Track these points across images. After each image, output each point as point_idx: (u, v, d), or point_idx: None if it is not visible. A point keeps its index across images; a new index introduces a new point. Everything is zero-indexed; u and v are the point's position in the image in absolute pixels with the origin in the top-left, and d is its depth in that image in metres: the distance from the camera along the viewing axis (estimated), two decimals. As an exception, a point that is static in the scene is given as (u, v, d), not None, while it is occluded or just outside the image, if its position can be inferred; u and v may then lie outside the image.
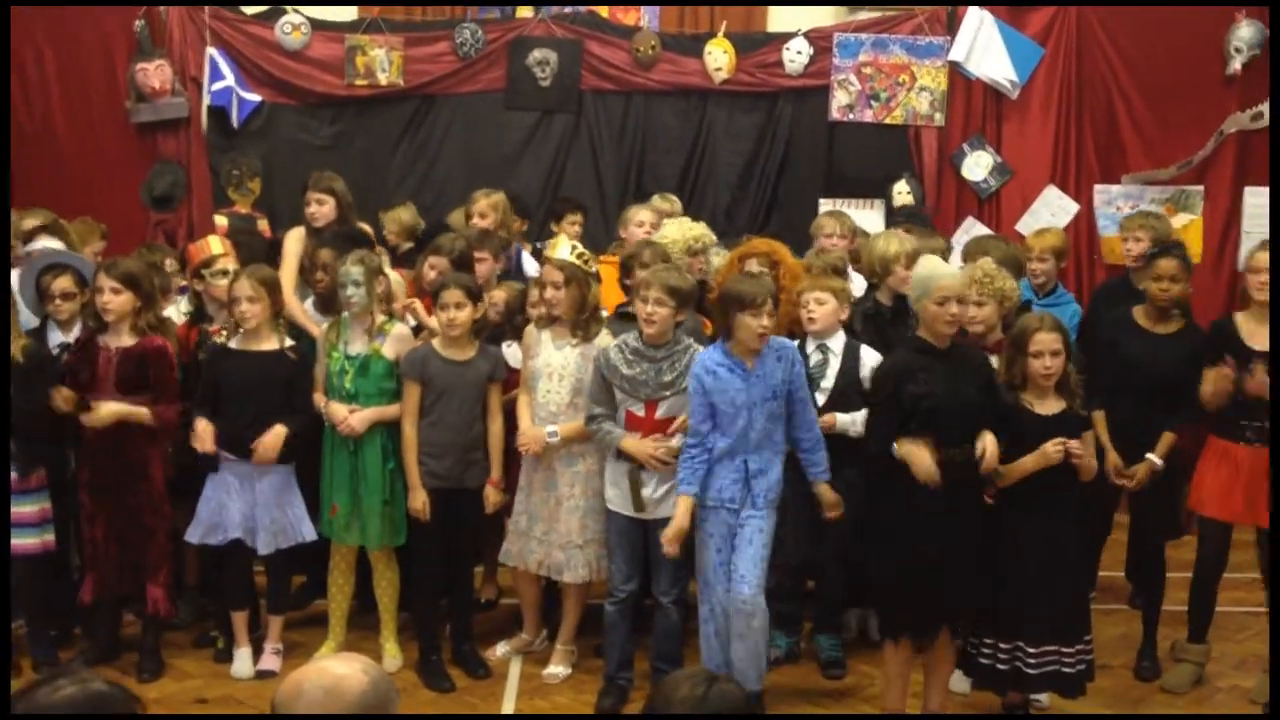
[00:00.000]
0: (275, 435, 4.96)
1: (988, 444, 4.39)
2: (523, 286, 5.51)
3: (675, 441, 4.70)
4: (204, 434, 4.96)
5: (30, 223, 5.67)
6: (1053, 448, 4.40)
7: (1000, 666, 4.54)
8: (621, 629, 4.90)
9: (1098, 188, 7.52)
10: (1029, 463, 4.45)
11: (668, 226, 5.73)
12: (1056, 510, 4.49)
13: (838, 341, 5.03)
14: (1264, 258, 4.94)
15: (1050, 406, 4.52)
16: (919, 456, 4.35)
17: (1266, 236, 5.81)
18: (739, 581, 4.54)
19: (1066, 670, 4.53)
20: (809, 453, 4.69)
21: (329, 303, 5.41)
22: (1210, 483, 5.07)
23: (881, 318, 5.34)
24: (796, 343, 4.91)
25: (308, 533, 5.12)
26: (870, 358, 4.99)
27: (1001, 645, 4.53)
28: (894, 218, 6.99)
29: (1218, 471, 5.04)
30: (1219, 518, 5.06)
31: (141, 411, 4.91)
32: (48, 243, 5.51)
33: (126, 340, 4.95)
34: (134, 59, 7.35)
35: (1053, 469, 4.44)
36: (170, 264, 5.91)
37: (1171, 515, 5.37)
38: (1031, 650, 4.50)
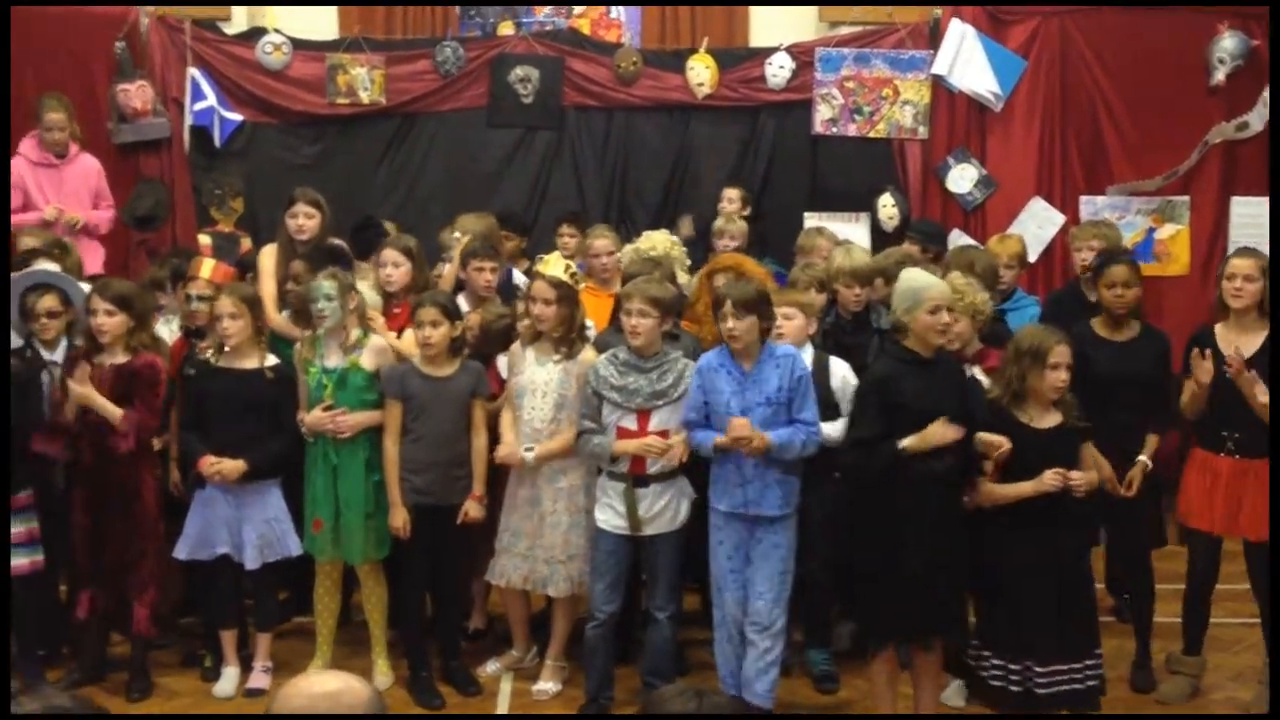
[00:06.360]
0: (232, 467, 4.95)
1: (942, 431, 4.28)
2: (501, 309, 5.47)
3: (673, 440, 4.69)
4: (208, 464, 4.96)
5: (28, 243, 5.73)
6: (1050, 477, 4.33)
7: (1013, 689, 4.43)
8: (603, 652, 4.88)
9: (1083, 199, 7.52)
10: (1026, 488, 4.38)
11: (653, 237, 5.85)
12: (1051, 523, 4.42)
13: (806, 355, 4.99)
14: (1239, 264, 4.93)
15: (1047, 420, 4.47)
16: (926, 433, 4.27)
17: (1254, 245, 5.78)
18: (755, 597, 4.60)
19: (1078, 686, 4.43)
20: (790, 425, 4.58)
21: (303, 315, 5.39)
22: (1193, 493, 5.06)
23: (842, 330, 5.33)
24: None
25: (294, 547, 5.10)
26: (840, 368, 4.98)
27: (1011, 666, 4.43)
28: (906, 230, 6.94)
29: (1200, 482, 5.03)
30: (1202, 528, 5.04)
31: (112, 409, 4.87)
32: (43, 266, 5.48)
33: (120, 358, 4.98)
34: (115, 80, 7.33)
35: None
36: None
37: (1155, 525, 5.33)
38: (1041, 670, 4.40)
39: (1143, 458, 5.04)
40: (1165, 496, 5.41)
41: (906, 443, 4.30)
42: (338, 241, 5.84)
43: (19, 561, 4.95)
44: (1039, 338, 4.45)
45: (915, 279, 4.55)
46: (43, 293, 5.16)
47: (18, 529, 4.96)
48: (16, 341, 5.23)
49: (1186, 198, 7.50)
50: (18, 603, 5.01)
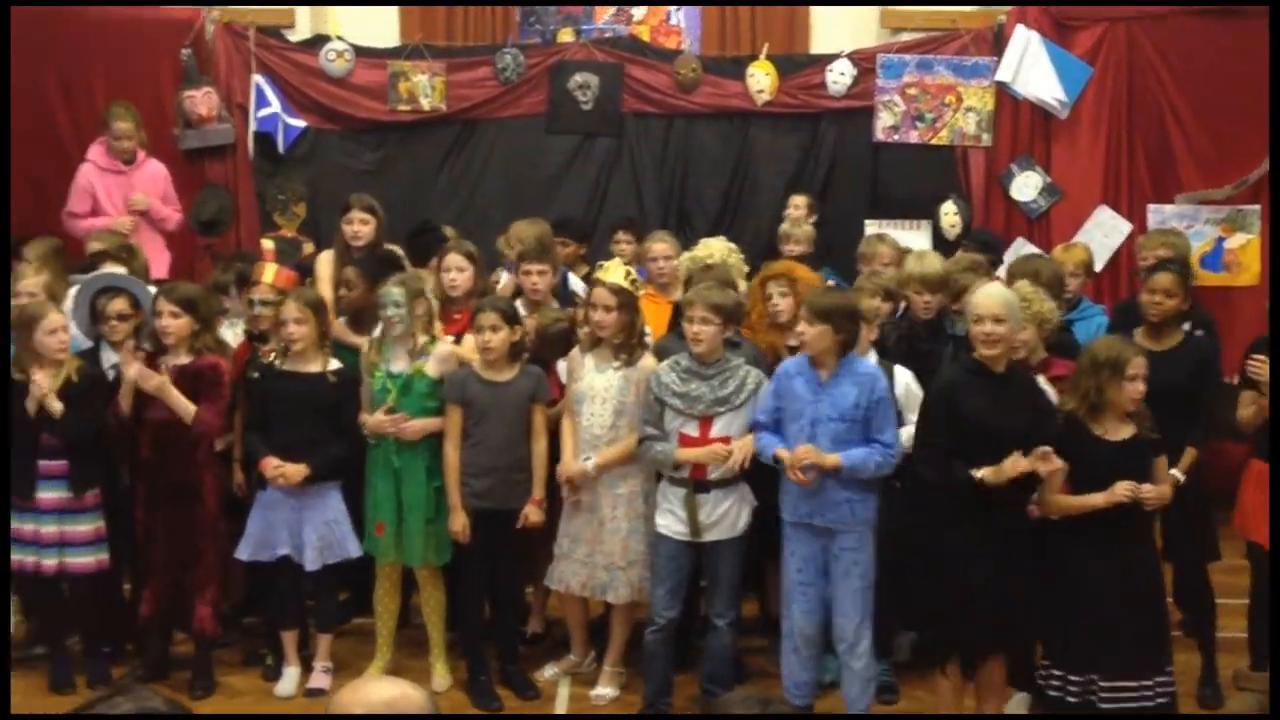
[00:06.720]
0: (295, 471, 5.00)
1: (1015, 464, 4.23)
2: (557, 314, 5.48)
3: (734, 445, 4.67)
4: (271, 467, 5.01)
5: (95, 247, 5.85)
6: (1122, 489, 4.27)
7: (1070, 699, 4.36)
8: (662, 658, 4.88)
9: (1151, 208, 7.41)
10: (1097, 500, 4.32)
11: (711, 244, 5.84)
12: (1123, 536, 4.35)
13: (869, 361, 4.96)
14: None
15: (1121, 432, 4.39)
16: (1002, 467, 4.22)
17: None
18: (839, 614, 4.59)
19: (1146, 704, 4.33)
20: (866, 445, 4.53)
21: (357, 321, 5.46)
22: (1249, 505, 4.96)
23: (916, 337, 5.29)
24: None
25: (353, 549, 5.15)
26: (903, 376, 4.94)
27: (1072, 678, 4.35)
28: (963, 239, 6.88)
29: (1255, 494, 4.94)
30: (1258, 541, 4.94)
31: (186, 404, 4.94)
32: (111, 269, 5.59)
33: (183, 359, 5.06)
34: (181, 86, 7.45)
35: None
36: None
37: (1209, 539, 5.21)
38: (1105, 685, 4.32)
39: (1174, 471, 4.89)
40: (1220, 510, 5.30)
41: (983, 474, 4.25)
42: (392, 248, 5.87)
43: (85, 560, 5.05)
44: (1117, 349, 4.39)
45: (977, 290, 4.54)
46: (113, 295, 5.26)
47: (84, 528, 5.06)
48: (86, 343, 5.35)
49: (1257, 207, 7.36)
50: (84, 600, 5.14)
